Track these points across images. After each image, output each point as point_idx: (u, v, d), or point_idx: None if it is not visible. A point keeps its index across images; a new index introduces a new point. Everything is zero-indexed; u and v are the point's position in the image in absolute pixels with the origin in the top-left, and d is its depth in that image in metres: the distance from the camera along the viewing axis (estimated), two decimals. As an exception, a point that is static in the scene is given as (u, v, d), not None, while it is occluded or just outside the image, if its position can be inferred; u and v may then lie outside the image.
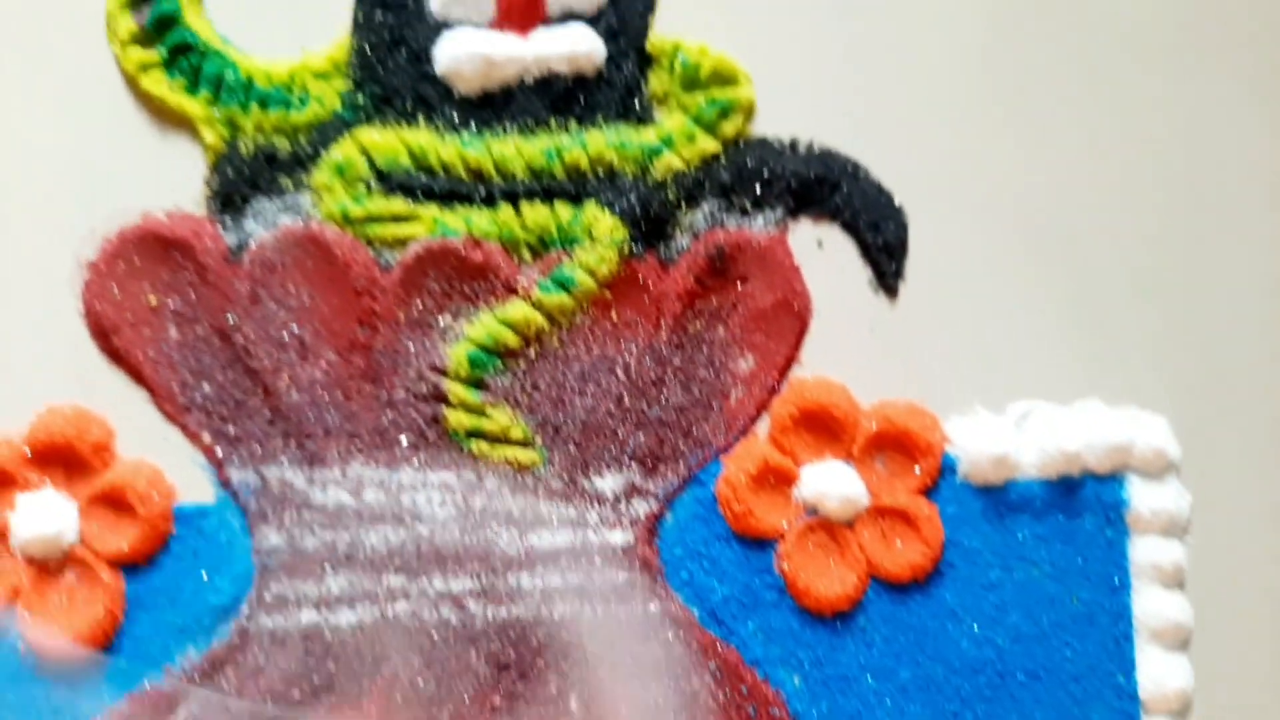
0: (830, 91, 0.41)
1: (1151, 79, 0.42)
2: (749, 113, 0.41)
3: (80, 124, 0.40)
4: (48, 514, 0.37)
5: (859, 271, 0.41)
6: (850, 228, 0.41)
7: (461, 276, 0.39)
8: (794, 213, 0.41)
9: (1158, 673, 0.39)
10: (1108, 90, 0.42)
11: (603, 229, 0.39)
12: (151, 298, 0.39)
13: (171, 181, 0.40)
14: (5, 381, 0.39)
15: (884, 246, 0.41)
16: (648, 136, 0.40)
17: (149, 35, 0.40)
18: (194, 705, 0.37)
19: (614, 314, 0.39)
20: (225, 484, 0.39)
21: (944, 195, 0.41)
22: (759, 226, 0.41)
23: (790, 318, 0.40)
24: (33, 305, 0.39)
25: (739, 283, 0.40)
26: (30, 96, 0.40)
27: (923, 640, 0.39)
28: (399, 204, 0.40)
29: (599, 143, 0.40)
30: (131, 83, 0.40)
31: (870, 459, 0.39)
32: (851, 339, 0.40)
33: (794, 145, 0.41)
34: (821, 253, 0.41)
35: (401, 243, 0.39)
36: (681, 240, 0.40)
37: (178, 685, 0.37)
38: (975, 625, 0.39)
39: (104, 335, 0.39)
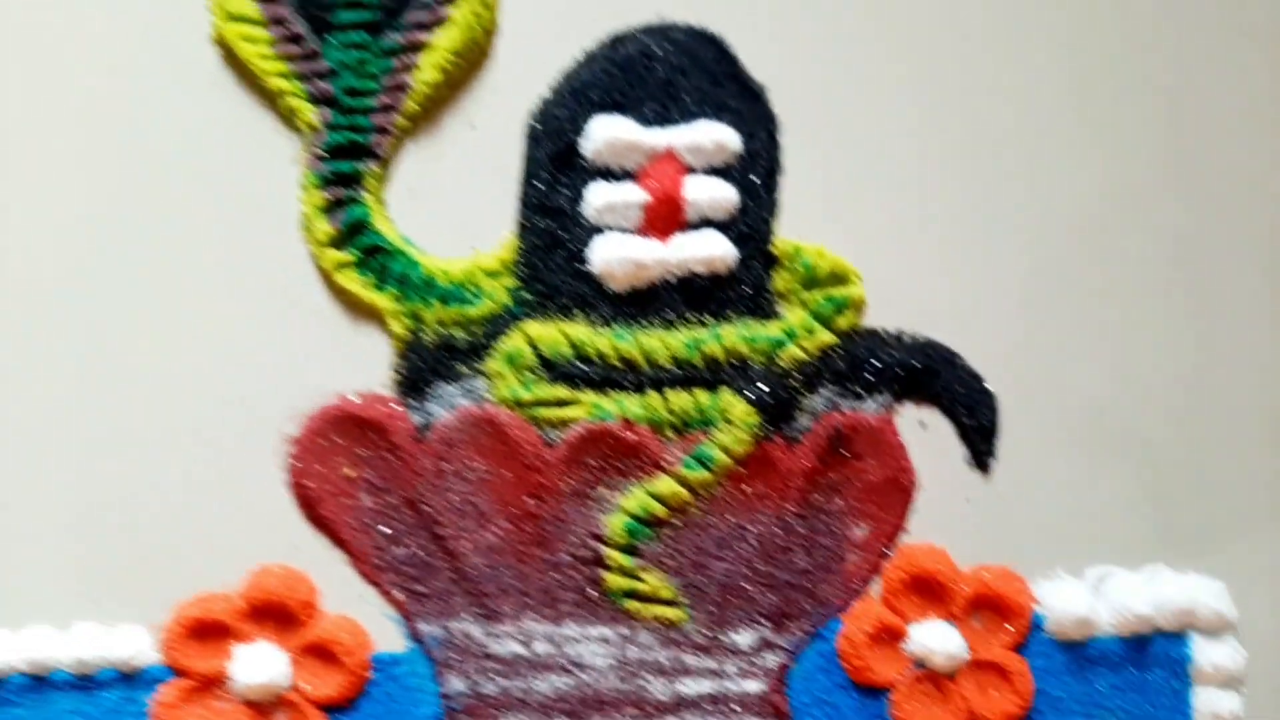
0: (931, 289, 0.48)
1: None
2: (860, 307, 0.47)
3: (282, 314, 0.46)
4: (263, 664, 0.43)
5: (957, 450, 0.47)
6: (949, 411, 0.47)
7: (617, 454, 0.45)
8: (900, 397, 0.47)
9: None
10: (1203, 301, 0.49)
11: (737, 413, 0.45)
12: (349, 470, 0.45)
13: (363, 366, 0.46)
14: (222, 544, 0.45)
15: (978, 429, 0.47)
16: (773, 330, 0.47)
17: (343, 237, 0.46)
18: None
19: (747, 488, 0.45)
20: (415, 636, 0.44)
21: (1031, 383, 0.47)
22: (870, 409, 0.47)
23: (899, 491, 0.46)
24: (245, 476, 0.45)
25: (854, 460, 0.46)
26: (238, 291, 0.46)
27: (1017, 778, 0.45)
28: (562, 390, 0.46)
29: (732, 336, 0.46)
30: (327, 279, 0.46)
31: (969, 617, 0.45)
32: (951, 510, 0.46)
33: (899, 336, 0.47)
34: (924, 433, 0.47)
35: (564, 424, 0.45)
36: (803, 421, 0.46)
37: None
38: (1061, 764, 0.45)
39: (308, 503, 0.45)
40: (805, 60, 0.48)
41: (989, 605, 0.45)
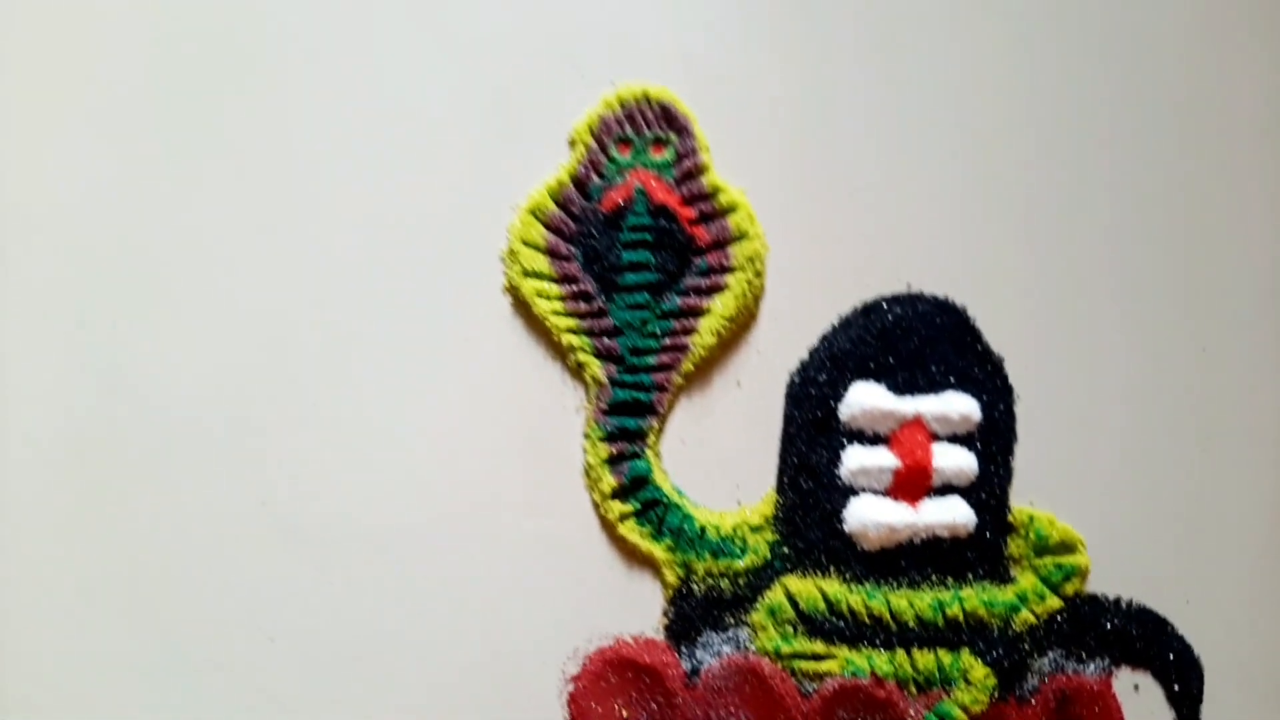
0: (1158, 555, 0.53)
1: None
2: (1085, 575, 0.52)
3: (566, 562, 0.50)
4: None
5: (1165, 713, 0.52)
6: (1160, 677, 0.52)
7: (867, 709, 0.49)
8: (1117, 660, 0.52)
9: None
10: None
11: (977, 675, 0.50)
12: (624, 711, 0.49)
13: (637, 611, 0.50)
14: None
15: (1185, 695, 0.51)
16: (1009, 595, 0.51)
17: (625, 489, 0.50)
18: None
19: (981, 744, 0.50)
20: None
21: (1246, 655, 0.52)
22: (1092, 672, 0.51)
23: (1115, 751, 0.51)
24: (526, 713, 0.49)
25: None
26: (524, 529, 0.50)
27: None
28: (819, 645, 0.50)
29: (972, 600, 0.51)
30: (608, 527, 0.50)
31: None
32: (1160, 772, 0.51)
33: (1117, 601, 0.52)
34: (1137, 695, 0.51)
35: (819, 677, 0.50)
36: (1032, 681, 0.51)
37: None
38: None
39: (585, 740, 0.49)
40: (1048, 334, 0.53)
41: None
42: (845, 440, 0.51)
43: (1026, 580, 0.51)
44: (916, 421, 0.51)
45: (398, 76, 0.52)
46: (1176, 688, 0.51)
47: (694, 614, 0.50)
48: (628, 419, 0.51)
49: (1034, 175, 0.53)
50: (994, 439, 0.52)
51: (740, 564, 0.50)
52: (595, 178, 0.52)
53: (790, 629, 0.50)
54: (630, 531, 0.50)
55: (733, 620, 0.50)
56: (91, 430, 0.50)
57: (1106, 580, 0.52)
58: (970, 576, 0.51)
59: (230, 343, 0.51)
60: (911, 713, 0.50)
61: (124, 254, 0.51)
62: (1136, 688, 0.51)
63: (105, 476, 0.50)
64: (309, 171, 0.51)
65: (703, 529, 0.50)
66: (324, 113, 0.52)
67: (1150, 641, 0.52)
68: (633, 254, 0.51)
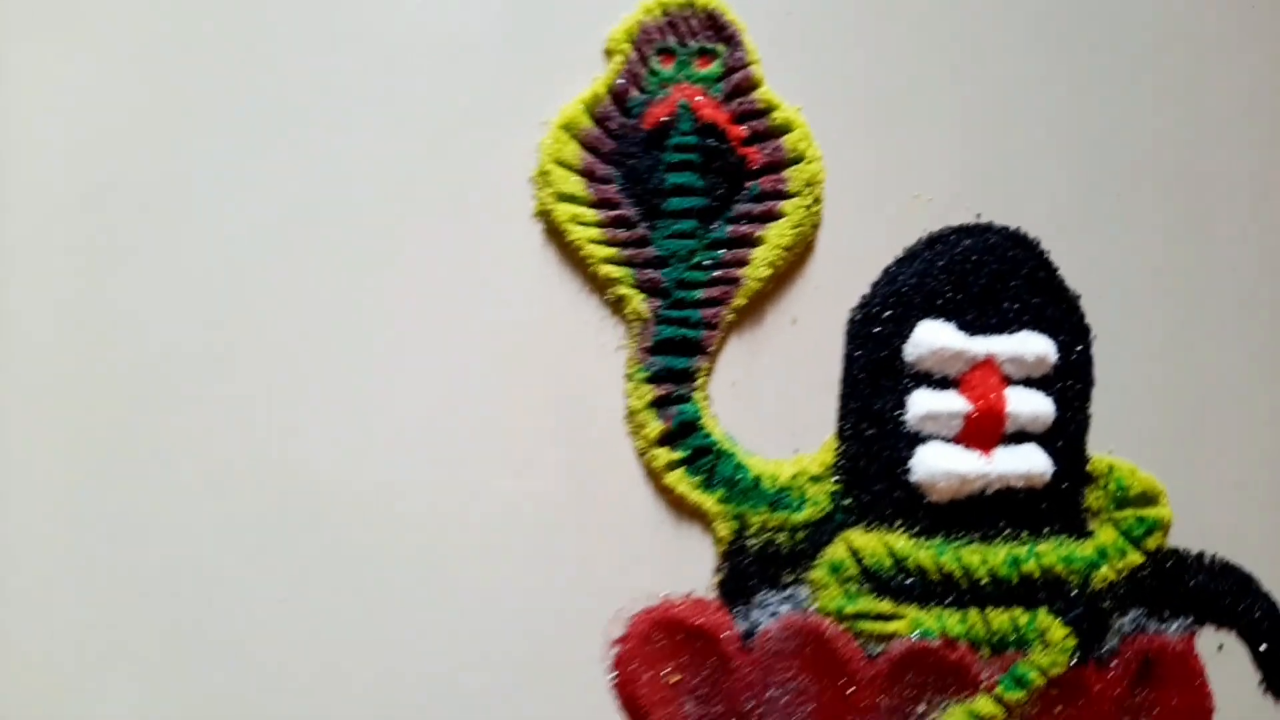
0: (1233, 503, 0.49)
1: None
2: (1168, 529, 0.48)
3: (607, 515, 0.46)
4: None
5: (1251, 674, 0.48)
6: (1246, 636, 0.48)
7: (937, 673, 0.45)
8: (1201, 620, 0.48)
9: None
10: None
11: (1055, 636, 0.46)
12: (673, 675, 0.45)
13: (686, 568, 0.46)
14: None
15: (1270, 655, 0.48)
16: (1088, 550, 0.47)
17: (671, 435, 0.46)
18: None
19: (1059, 710, 0.46)
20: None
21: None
22: (1173, 631, 0.48)
23: (1200, 715, 0.47)
24: (569, 676, 0.45)
25: (1158, 683, 0.47)
26: (559, 490, 0.46)
27: None
28: (884, 604, 0.46)
29: (1050, 555, 0.47)
30: (653, 477, 0.46)
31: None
32: (1246, 735, 0.48)
33: (1200, 557, 0.48)
34: (1222, 655, 0.48)
35: (885, 638, 0.46)
36: (1111, 642, 0.47)
37: None
38: None
39: (633, 707, 0.44)
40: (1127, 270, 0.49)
41: (1280, 833, 0.47)
42: (911, 383, 0.47)
43: (1106, 534, 0.47)
44: (988, 363, 0.47)
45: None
46: (1263, 647, 0.48)
47: (749, 571, 0.46)
48: (674, 358, 0.46)
49: (1118, 102, 0.49)
50: (1071, 382, 0.47)
51: (799, 517, 0.46)
52: (635, 91, 0.47)
53: (853, 587, 0.46)
54: (678, 481, 0.46)
55: (791, 577, 0.46)
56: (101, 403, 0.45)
57: (1190, 535, 0.48)
58: (1046, 530, 0.47)
59: (250, 272, 0.46)
60: (985, 676, 0.46)
61: (136, 189, 0.46)
62: (1221, 648, 0.48)
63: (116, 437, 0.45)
64: (324, 88, 0.46)
65: (757, 479, 0.46)
66: (339, 21, 0.46)
67: (1235, 599, 0.48)
68: (677, 176, 0.46)
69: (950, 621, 0.46)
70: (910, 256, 0.48)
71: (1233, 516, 0.48)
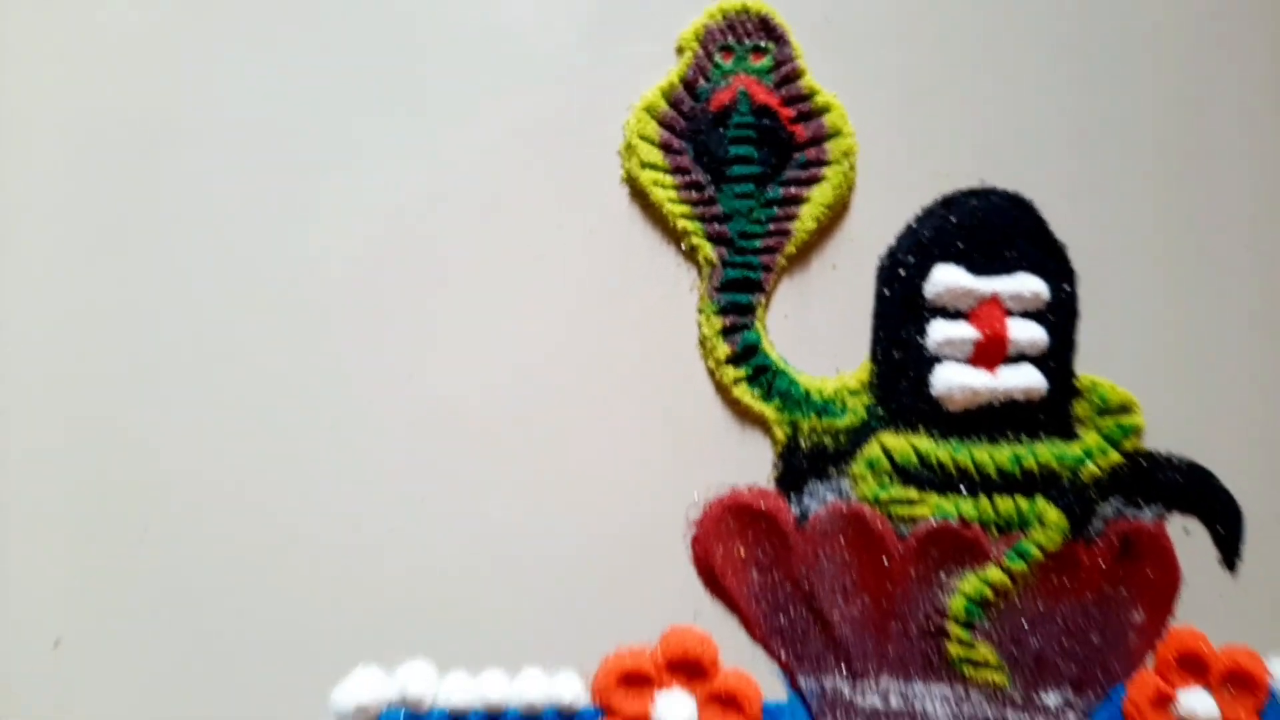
0: (1203, 414, 0.59)
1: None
2: (1141, 433, 0.58)
3: (685, 421, 0.56)
4: (679, 707, 0.53)
5: (1211, 552, 0.58)
6: (1206, 521, 0.58)
7: (956, 548, 0.56)
8: (1170, 507, 0.58)
9: None
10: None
11: (1051, 518, 0.56)
12: (742, 550, 0.55)
13: (750, 464, 0.56)
14: (640, 608, 0.54)
15: (1228, 537, 0.58)
16: (1075, 450, 0.57)
17: (737, 356, 0.56)
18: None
19: (1054, 579, 0.56)
20: (795, 688, 0.55)
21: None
22: (1148, 517, 0.58)
23: (1169, 586, 0.57)
24: (658, 552, 0.55)
25: (1137, 560, 0.57)
26: (649, 400, 0.56)
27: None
28: (912, 492, 0.56)
29: (1045, 453, 0.57)
30: (722, 390, 0.56)
31: (1222, 687, 0.57)
32: (1207, 602, 0.58)
33: (1169, 458, 0.58)
34: (1188, 537, 0.58)
35: (913, 520, 0.56)
36: (1097, 525, 0.57)
37: None
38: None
39: (709, 576, 0.55)
40: (1104, 224, 0.59)
41: (1237, 677, 0.56)
42: (930, 315, 0.57)
43: (1091, 438, 0.58)
44: (993, 299, 0.57)
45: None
46: (1220, 530, 0.58)
47: (801, 466, 0.56)
48: (738, 295, 0.56)
49: (1092, 81, 0.60)
50: (1060, 315, 0.58)
51: (841, 423, 0.56)
52: (702, 81, 0.57)
53: (886, 479, 0.56)
54: (743, 394, 0.56)
55: (835, 471, 0.56)
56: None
57: (1160, 439, 0.58)
58: (1042, 434, 0.57)
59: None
60: (994, 551, 0.56)
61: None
62: (1187, 530, 0.58)
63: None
64: (453, 79, 0.57)
65: (807, 392, 0.56)
66: (468, 25, 0.57)
67: (1198, 491, 0.58)
68: (739, 149, 0.57)
69: (965, 507, 0.56)
70: (929, 214, 0.58)
71: (1197, 423, 0.59)
